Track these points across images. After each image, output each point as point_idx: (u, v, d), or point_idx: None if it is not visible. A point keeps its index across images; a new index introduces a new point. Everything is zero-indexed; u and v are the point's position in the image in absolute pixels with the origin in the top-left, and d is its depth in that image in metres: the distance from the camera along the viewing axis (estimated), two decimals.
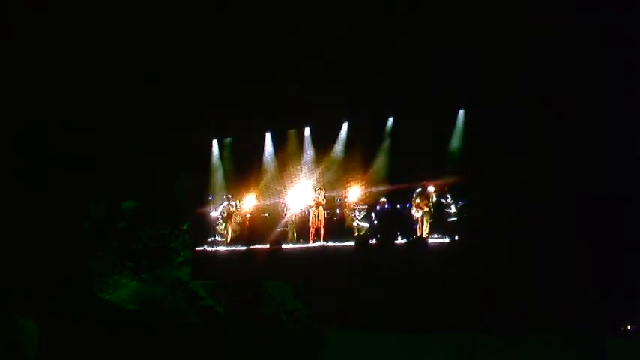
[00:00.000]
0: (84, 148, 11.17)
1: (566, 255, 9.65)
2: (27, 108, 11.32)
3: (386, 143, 14.37)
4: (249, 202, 14.59)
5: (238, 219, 14.33)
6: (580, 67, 10.19)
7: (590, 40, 10.06)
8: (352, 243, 12.31)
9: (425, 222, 12.37)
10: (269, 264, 11.77)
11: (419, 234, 12.31)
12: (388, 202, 13.26)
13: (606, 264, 9.56)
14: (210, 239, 14.34)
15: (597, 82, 10.14)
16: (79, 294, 10.13)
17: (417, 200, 12.49)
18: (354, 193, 13.79)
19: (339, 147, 14.84)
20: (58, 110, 11.44)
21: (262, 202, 14.86)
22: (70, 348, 9.36)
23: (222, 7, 12.16)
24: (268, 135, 15.54)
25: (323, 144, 14.91)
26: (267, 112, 13.80)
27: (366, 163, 14.28)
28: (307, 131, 15.16)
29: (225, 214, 14.20)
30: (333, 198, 14.25)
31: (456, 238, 11.48)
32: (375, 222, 13.37)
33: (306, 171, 15.03)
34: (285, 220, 14.09)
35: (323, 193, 13.34)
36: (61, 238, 10.34)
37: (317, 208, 13.12)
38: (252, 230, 14.28)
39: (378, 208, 13.41)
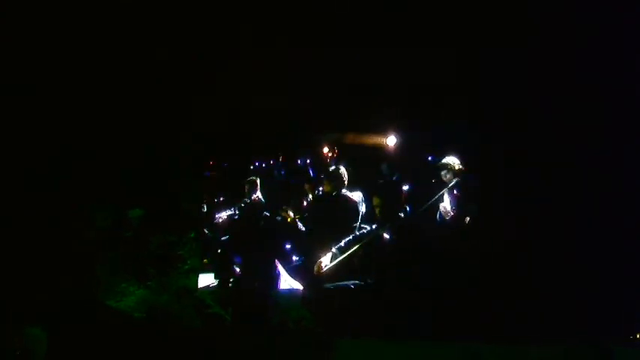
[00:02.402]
0: (90, 155, 11.19)
1: (571, 260, 9.51)
2: (31, 111, 11.30)
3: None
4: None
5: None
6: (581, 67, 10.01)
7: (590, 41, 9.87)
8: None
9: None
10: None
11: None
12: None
13: (613, 268, 9.40)
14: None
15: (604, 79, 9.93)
16: (87, 302, 10.21)
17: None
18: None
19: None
20: (62, 116, 11.43)
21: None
22: (79, 356, 9.46)
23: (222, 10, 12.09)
24: None
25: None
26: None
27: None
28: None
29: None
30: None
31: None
32: None
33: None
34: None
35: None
36: (67, 247, 10.41)
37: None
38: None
39: None
